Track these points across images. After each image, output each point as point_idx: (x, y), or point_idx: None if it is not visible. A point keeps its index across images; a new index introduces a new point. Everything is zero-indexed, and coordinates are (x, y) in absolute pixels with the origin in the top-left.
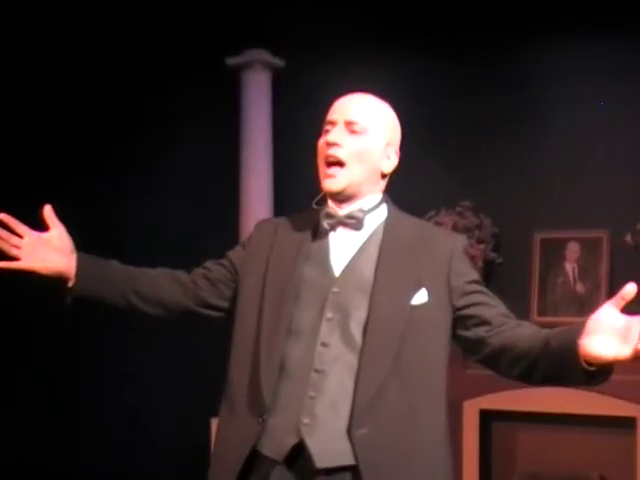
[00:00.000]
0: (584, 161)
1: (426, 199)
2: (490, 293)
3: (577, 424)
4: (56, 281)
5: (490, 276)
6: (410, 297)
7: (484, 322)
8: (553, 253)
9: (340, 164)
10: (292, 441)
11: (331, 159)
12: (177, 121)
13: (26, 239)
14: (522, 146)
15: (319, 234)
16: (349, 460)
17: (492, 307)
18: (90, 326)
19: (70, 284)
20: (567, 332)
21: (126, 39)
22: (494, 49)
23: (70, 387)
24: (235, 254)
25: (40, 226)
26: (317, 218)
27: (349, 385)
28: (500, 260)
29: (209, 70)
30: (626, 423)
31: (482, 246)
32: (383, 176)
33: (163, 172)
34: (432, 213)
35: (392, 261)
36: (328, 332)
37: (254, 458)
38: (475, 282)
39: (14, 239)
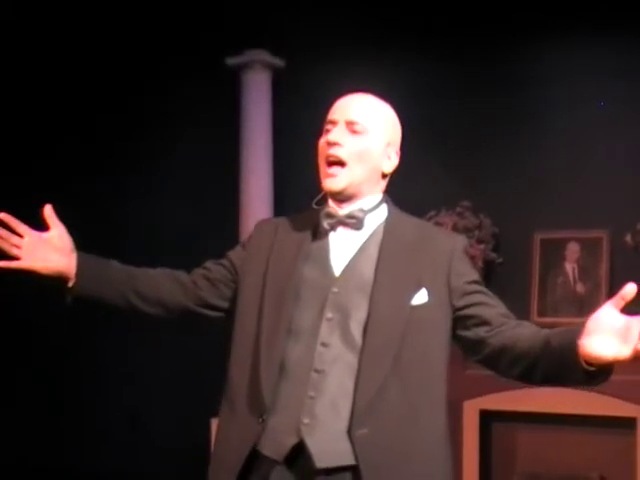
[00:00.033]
0: (584, 161)
1: (426, 199)
2: (490, 293)
3: (577, 424)
4: (56, 281)
5: (490, 276)
6: (410, 297)
7: (484, 322)
8: (553, 253)
9: (341, 164)
10: (292, 441)
11: (332, 159)
12: (177, 121)
13: (26, 239)
14: (522, 146)
15: (319, 234)
16: (349, 460)
17: (492, 307)
18: (90, 326)
19: (70, 284)
20: (567, 332)
21: (126, 39)
22: (494, 49)
23: (70, 387)
24: (235, 254)
25: (40, 226)
26: (317, 218)
27: (349, 385)
28: (500, 260)
29: (209, 70)
30: (626, 423)
31: (482, 246)
32: (383, 176)
33: (163, 172)
34: (432, 213)
35: (392, 261)
36: (328, 332)
37: (254, 458)
38: (475, 282)
39: (14, 239)
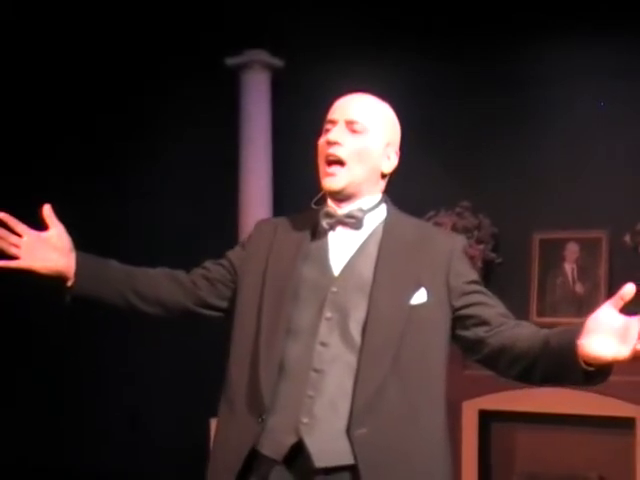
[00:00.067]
0: (584, 161)
1: (425, 199)
2: (489, 293)
3: (576, 424)
4: (55, 280)
5: (489, 276)
6: (409, 297)
7: (483, 322)
8: (552, 253)
9: (340, 163)
10: (291, 441)
11: (331, 158)
12: (177, 121)
13: (25, 238)
14: (522, 146)
15: (318, 234)
16: (348, 460)
17: (491, 307)
18: (90, 326)
19: (69, 283)
20: (566, 332)
21: (126, 39)
22: (494, 49)
23: (70, 387)
24: (234, 254)
25: (40, 226)
26: (316, 218)
27: (348, 385)
28: (499, 260)
29: (209, 70)
30: (625, 423)
31: (481, 246)
32: (383, 176)
33: (163, 172)
34: (431, 213)
35: (391, 261)
36: (327, 332)
37: (253, 458)
38: (474, 282)
39: (13, 238)
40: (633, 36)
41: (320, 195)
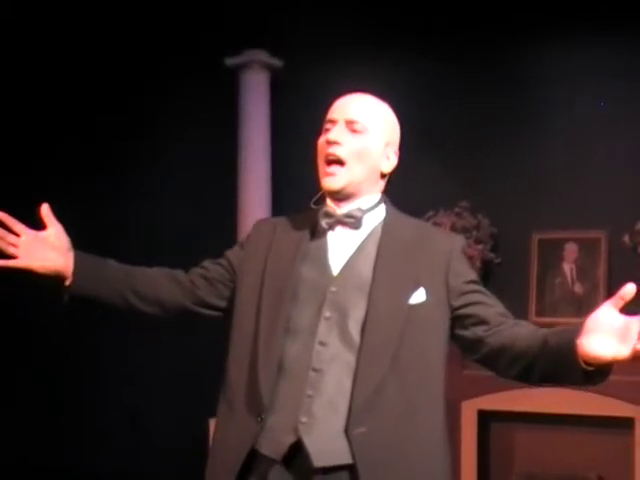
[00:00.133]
0: (584, 161)
1: (425, 199)
2: (488, 293)
3: (575, 424)
4: (53, 280)
5: (488, 276)
6: (408, 296)
7: (482, 321)
8: (551, 253)
9: (340, 163)
10: (290, 440)
11: (331, 157)
12: (176, 121)
13: (23, 237)
14: (522, 146)
15: (317, 233)
16: (347, 459)
17: (490, 307)
18: (90, 326)
19: (67, 283)
20: (566, 332)
21: (126, 39)
22: (494, 49)
23: (70, 387)
24: (233, 254)
25: (40, 226)
26: (315, 217)
27: (347, 384)
28: (498, 260)
29: (208, 70)
30: (624, 423)
31: (480, 246)
32: (382, 176)
33: (163, 172)
34: (431, 213)
35: (390, 260)
36: (326, 331)
37: (252, 457)
38: (473, 282)
39: (11, 237)
40: (633, 36)
41: (319, 195)
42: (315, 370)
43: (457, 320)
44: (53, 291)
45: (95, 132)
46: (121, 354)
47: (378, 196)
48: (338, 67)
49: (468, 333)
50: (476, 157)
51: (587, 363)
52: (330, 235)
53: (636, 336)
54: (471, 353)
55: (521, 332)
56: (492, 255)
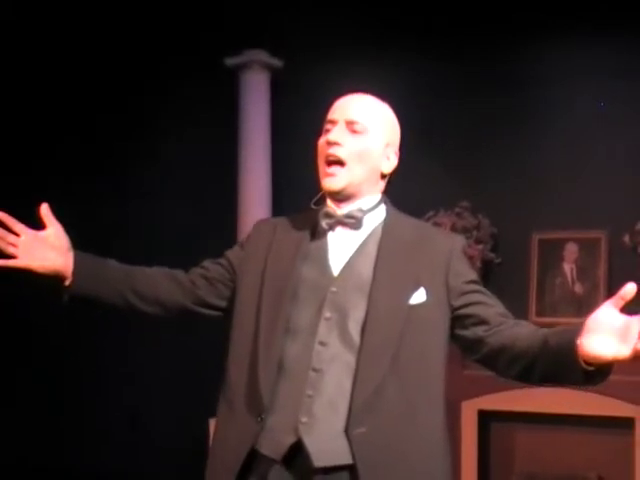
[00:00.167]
0: (584, 161)
1: (425, 199)
2: (488, 293)
3: (575, 424)
4: (53, 279)
5: (488, 276)
6: (408, 296)
7: (482, 321)
8: (551, 254)
9: (340, 163)
10: (290, 440)
11: (331, 158)
12: (176, 121)
13: (23, 237)
14: (522, 146)
15: (318, 234)
16: (347, 459)
17: (490, 307)
18: (90, 326)
19: (67, 282)
20: (566, 331)
21: (126, 39)
22: (494, 49)
23: (70, 387)
24: (233, 254)
25: (40, 226)
26: (316, 218)
27: (347, 384)
28: (498, 260)
29: (208, 70)
30: (624, 423)
31: (480, 246)
32: (382, 176)
33: (163, 172)
34: (431, 213)
35: (391, 261)
36: (326, 331)
37: (252, 457)
38: (473, 282)
39: (11, 237)
40: (633, 36)
41: (319, 195)
42: (315, 370)
43: (457, 320)
44: (53, 291)
45: (95, 132)
46: (121, 354)
47: (378, 196)
48: (338, 67)
49: (468, 333)
50: (476, 157)
51: (587, 363)
52: (330, 235)
53: (636, 336)
54: (471, 353)
55: (521, 332)
56: (492, 255)
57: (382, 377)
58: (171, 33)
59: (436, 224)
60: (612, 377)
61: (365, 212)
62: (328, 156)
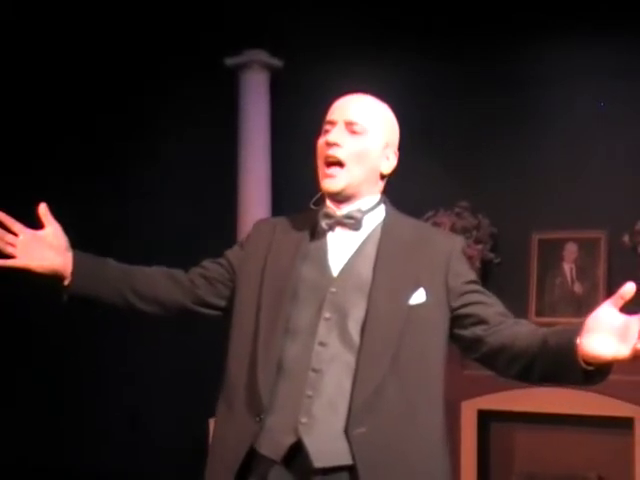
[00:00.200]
0: (584, 161)
1: (425, 199)
2: (488, 293)
3: (575, 424)
4: (52, 279)
5: (488, 276)
6: (408, 297)
7: (482, 321)
8: (551, 253)
9: (340, 164)
10: (290, 440)
11: (331, 159)
12: (176, 121)
13: (21, 237)
14: (521, 146)
15: (317, 234)
16: (347, 460)
17: (490, 306)
18: (90, 326)
19: (66, 282)
20: (565, 331)
21: (126, 39)
22: (494, 49)
23: (70, 387)
24: (233, 253)
25: (40, 226)
26: (315, 218)
27: (347, 384)
28: (498, 260)
29: (208, 70)
30: (624, 423)
31: (480, 246)
32: (382, 177)
33: (163, 172)
34: (430, 213)
35: (390, 261)
36: (326, 331)
37: (252, 457)
38: (473, 282)
39: (9, 237)
40: (633, 36)
41: (319, 195)
42: (315, 370)
43: (457, 320)
44: (52, 291)
45: (95, 132)
46: (121, 354)
47: (378, 197)
48: (338, 67)
49: (468, 333)
50: (476, 157)
51: (587, 363)
52: (330, 236)
53: (636, 335)
54: (471, 352)
55: (521, 331)
56: (492, 255)
57: (382, 377)
58: (171, 33)
59: (436, 224)
60: (612, 377)
61: (364, 213)
62: (327, 157)
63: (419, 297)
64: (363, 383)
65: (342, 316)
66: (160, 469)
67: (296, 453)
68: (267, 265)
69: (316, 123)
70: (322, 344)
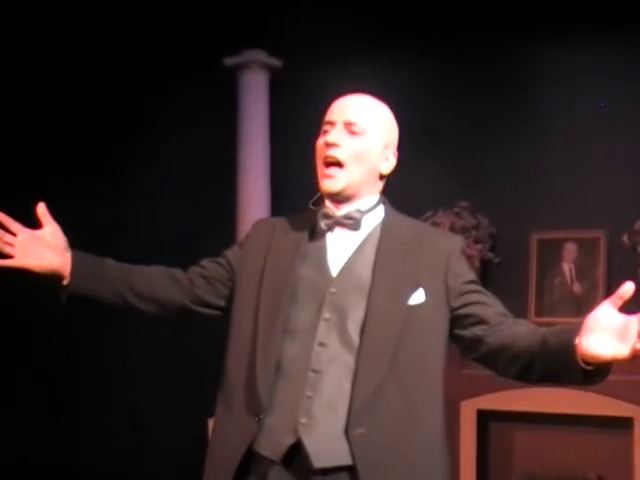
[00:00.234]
0: (584, 161)
1: (424, 199)
2: (488, 293)
3: (574, 424)
4: (50, 279)
5: (487, 276)
6: (407, 297)
7: (481, 321)
8: (550, 253)
9: (339, 165)
10: (289, 441)
11: (330, 159)
12: (176, 121)
13: (19, 237)
14: (521, 146)
15: (316, 234)
16: (346, 460)
17: (489, 306)
18: (89, 326)
19: (65, 282)
20: (565, 331)
21: (126, 39)
22: (494, 49)
23: (70, 387)
24: (232, 253)
25: (39, 226)
26: (314, 218)
27: (346, 385)
28: (497, 260)
29: (207, 70)
30: (623, 423)
31: (479, 246)
32: (381, 177)
33: (163, 172)
34: (430, 213)
35: (389, 261)
36: (325, 332)
37: (251, 458)
38: (472, 282)
39: (7, 237)
40: (633, 36)
41: (318, 195)
42: (314, 371)
43: (456, 320)
44: (51, 290)
45: (95, 132)
46: (121, 354)
47: (377, 197)
48: (338, 67)
49: (467, 333)
50: (476, 157)
51: (586, 362)
52: (329, 236)
53: (635, 335)
54: (470, 352)
55: (520, 331)
56: (491, 255)
57: (381, 378)
58: (171, 33)
59: (435, 224)
60: (611, 377)
61: (364, 213)
62: (326, 157)
63: (418, 297)
64: (363, 384)
65: (341, 316)
66: (160, 469)
67: (295, 453)
68: (266, 265)
69: (315, 123)
70: (322, 345)
